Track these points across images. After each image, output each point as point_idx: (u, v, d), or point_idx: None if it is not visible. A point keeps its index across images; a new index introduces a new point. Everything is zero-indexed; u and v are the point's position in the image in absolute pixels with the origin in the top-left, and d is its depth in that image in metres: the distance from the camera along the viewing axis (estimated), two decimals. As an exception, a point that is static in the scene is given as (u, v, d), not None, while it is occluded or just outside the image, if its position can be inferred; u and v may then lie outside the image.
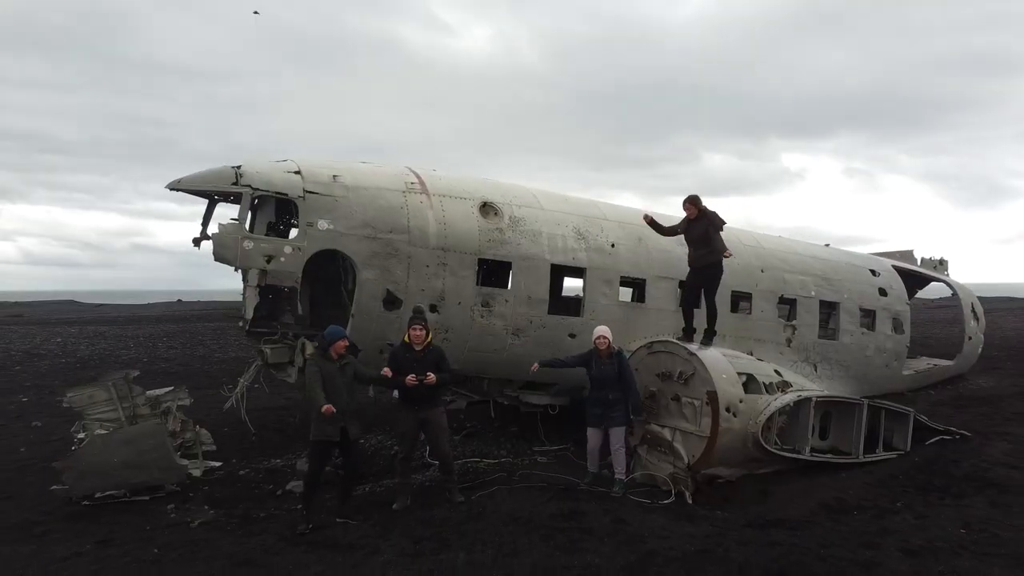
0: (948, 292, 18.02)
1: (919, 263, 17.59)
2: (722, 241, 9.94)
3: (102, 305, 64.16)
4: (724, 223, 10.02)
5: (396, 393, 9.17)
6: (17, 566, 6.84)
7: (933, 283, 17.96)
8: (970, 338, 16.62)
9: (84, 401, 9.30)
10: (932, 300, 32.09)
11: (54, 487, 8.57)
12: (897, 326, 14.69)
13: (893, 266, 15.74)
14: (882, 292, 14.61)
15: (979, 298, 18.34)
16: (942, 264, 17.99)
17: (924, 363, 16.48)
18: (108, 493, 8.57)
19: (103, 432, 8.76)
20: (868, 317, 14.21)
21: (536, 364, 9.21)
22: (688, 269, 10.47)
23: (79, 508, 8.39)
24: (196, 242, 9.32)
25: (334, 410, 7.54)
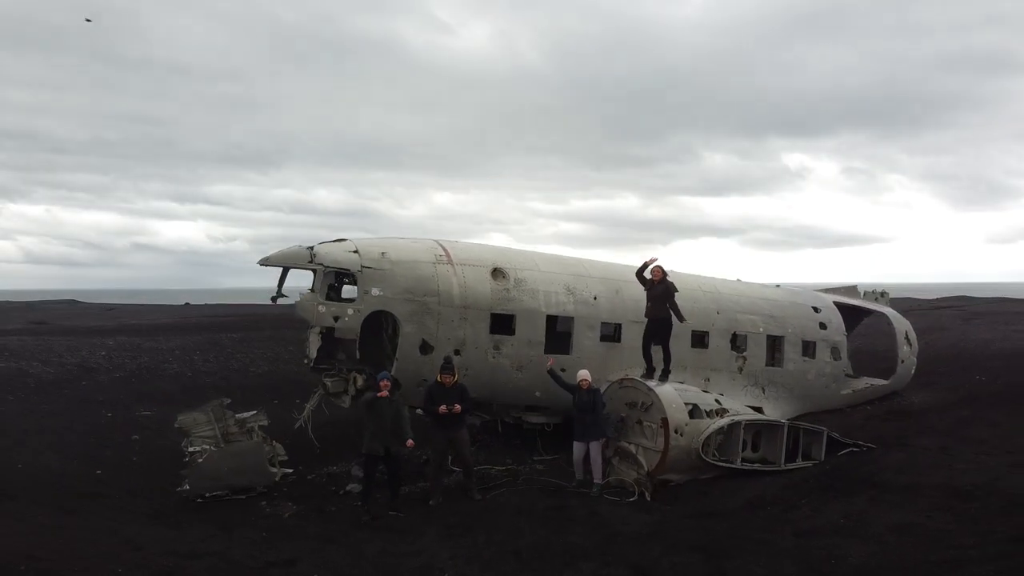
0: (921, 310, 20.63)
1: (862, 296, 20.50)
2: (679, 311, 13.04)
3: (114, 307, 66.39)
4: (677, 291, 13.10)
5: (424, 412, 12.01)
6: (169, 543, 9.67)
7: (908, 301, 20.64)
8: (903, 361, 19.44)
9: (190, 423, 12.18)
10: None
11: (179, 488, 11.44)
12: (835, 354, 17.58)
13: (835, 302, 18.61)
14: (822, 326, 17.49)
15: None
16: (883, 296, 20.89)
17: (863, 383, 19.34)
18: (215, 493, 11.49)
19: (215, 449, 11.67)
20: (809, 347, 17.10)
21: (552, 359, 12.44)
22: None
23: (195, 504, 11.28)
24: (273, 299, 12.28)
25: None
